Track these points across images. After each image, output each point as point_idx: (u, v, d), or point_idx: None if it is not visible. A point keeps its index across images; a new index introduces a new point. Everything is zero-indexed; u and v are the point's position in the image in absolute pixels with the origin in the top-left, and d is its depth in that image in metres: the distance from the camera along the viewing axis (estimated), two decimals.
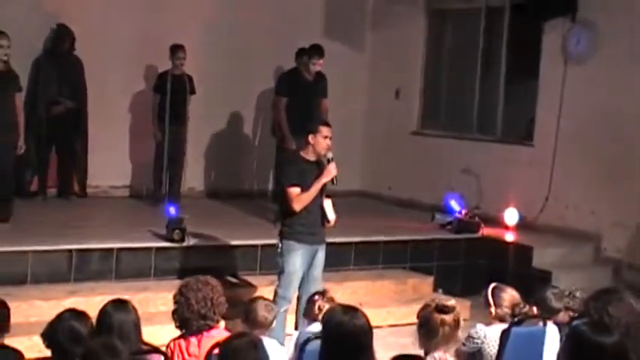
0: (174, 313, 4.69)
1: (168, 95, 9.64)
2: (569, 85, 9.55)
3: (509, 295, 5.19)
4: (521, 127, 10.33)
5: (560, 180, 9.60)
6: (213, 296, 4.62)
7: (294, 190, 6.43)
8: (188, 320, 4.59)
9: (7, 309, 4.54)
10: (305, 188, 6.43)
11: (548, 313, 5.19)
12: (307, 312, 5.52)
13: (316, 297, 5.42)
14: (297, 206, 6.43)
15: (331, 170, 6.46)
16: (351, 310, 3.97)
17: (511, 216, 9.72)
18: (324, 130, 6.51)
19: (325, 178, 6.45)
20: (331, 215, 6.57)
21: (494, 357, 4.98)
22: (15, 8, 9.42)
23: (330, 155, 6.53)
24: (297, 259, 6.53)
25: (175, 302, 4.68)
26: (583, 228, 9.33)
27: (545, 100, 9.88)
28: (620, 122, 9.14)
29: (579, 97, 9.47)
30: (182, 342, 4.61)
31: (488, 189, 10.02)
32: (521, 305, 5.13)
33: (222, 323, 4.89)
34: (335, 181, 6.50)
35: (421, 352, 4.14)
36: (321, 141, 6.48)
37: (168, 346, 4.60)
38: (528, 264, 8.84)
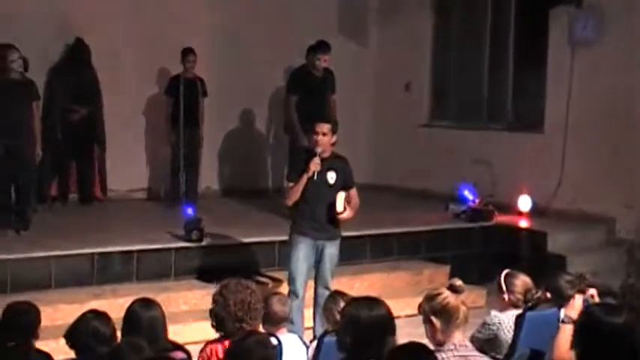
0: (211, 311, 4.64)
1: (181, 98, 9.79)
2: (578, 71, 9.62)
3: (522, 281, 5.28)
4: (531, 114, 10.41)
5: (571, 165, 9.67)
6: (251, 300, 4.60)
7: (289, 185, 6.70)
8: (223, 321, 4.55)
9: (38, 313, 4.68)
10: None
11: (562, 300, 5.27)
12: (327, 315, 5.43)
13: (335, 300, 5.30)
14: (288, 200, 6.70)
15: (311, 166, 6.56)
16: (371, 300, 4.07)
17: (524, 203, 9.81)
18: (316, 126, 6.64)
19: (306, 174, 6.57)
20: (340, 207, 6.62)
21: (509, 342, 5.09)
22: (32, 22, 9.58)
23: (318, 150, 6.61)
24: (300, 252, 6.69)
25: (214, 301, 4.64)
26: (595, 211, 9.41)
27: (553, 86, 9.95)
28: (629, 105, 9.21)
29: (588, 82, 9.54)
30: (218, 346, 4.54)
31: (501, 177, 10.10)
32: (534, 291, 5.22)
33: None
34: (315, 176, 6.58)
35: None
36: (315, 137, 6.63)
37: (203, 349, 4.56)
38: (543, 249, 8.93)
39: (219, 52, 10.73)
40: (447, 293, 4.10)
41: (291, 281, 6.74)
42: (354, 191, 6.83)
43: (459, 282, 4.12)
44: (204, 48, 10.15)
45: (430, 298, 4.15)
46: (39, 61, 9.03)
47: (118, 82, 10.09)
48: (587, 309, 3.58)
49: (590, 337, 3.40)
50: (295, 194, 6.61)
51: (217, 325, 4.60)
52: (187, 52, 9.86)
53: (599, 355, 3.36)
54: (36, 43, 9.00)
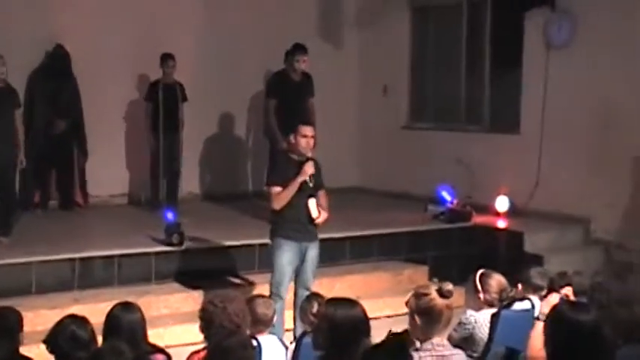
0: (208, 321, 4.56)
1: (161, 104, 9.84)
2: (553, 73, 9.74)
3: (496, 280, 5.36)
4: (507, 115, 10.52)
5: (548, 166, 9.78)
6: (244, 309, 4.66)
7: (275, 189, 6.63)
8: (221, 328, 4.48)
9: (20, 317, 4.71)
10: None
11: (532, 290, 5.39)
12: (302, 316, 5.57)
13: (310, 302, 5.41)
14: (277, 204, 6.62)
15: (306, 169, 6.59)
16: (347, 301, 4.15)
17: (502, 203, 9.91)
18: (302, 130, 6.67)
19: (301, 177, 6.60)
20: (314, 213, 6.70)
21: (485, 340, 5.18)
22: (12, 29, 9.60)
23: (309, 154, 6.67)
24: (285, 255, 6.71)
25: (206, 311, 4.59)
26: (572, 212, 9.51)
27: (529, 88, 10.07)
28: (604, 106, 9.31)
29: (563, 83, 9.66)
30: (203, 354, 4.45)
31: (479, 178, 10.19)
32: (508, 290, 5.32)
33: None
34: (311, 180, 6.64)
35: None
36: (300, 140, 6.65)
37: (190, 357, 4.51)
38: (520, 249, 9.02)
39: (199, 57, 10.79)
40: (434, 295, 4.16)
41: (275, 284, 6.75)
42: (322, 192, 6.87)
43: (449, 286, 4.16)
44: (183, 53, 10.20)
45: (418, 296, 4.20)
46: (16, 67, 9.02)
47: (98, 87, 10.12)
48: (556, 307, 3.67)
49: (559, 335, 3.50)
50: (286, 198, 6.58)
51: (208, 331, 4.57)
52: (166, 58, 9.92)
53: (570, 352, 3.45)
54: (14, 49, 8.99)
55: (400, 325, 4.39)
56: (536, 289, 5.37)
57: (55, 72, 9.91)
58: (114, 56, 10.27)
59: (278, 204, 6.62)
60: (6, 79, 8.26)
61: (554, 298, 4.65)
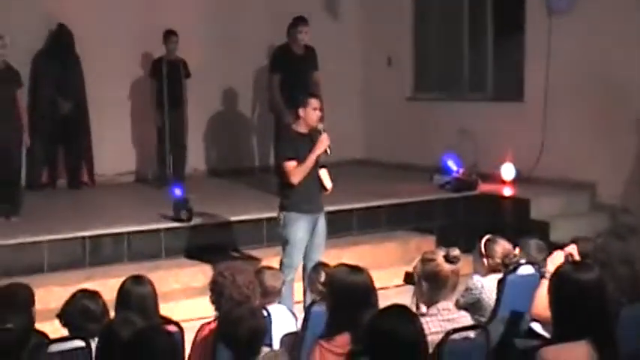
0: (214, 289, 4.66)
1: (165, 80, 9.87)
2: (556, 39, 9.71)
3: (501, 246, 5.42)
4: (511, 83, 10.52)
5: (552, 132, 9.79)
6: (253, 281, 4.73)
7: (291, 164, 6.65)
8: (226, 299, 4.57)
9: (32, 292, 4.79)
10: (300, 161, 6.65)
11: (528, 259, 5.43)
12: (311, 285, 5.68)
13: (317, 271, 5.49)
14: (295, 179, 6.64)
15: (324, 141, 6.64)
16: (354, 268, 4.22)
17: (507, 171, 9.94)
18: (313, 102, 6.71)
19: (319, 150, 6.65)
20: (328, 183, 6.81)
21: (492, 305, 5.24)
22: (14, 9, 9.63)
23: (321, 126, 6.72)
24: (299, 229, 6.77)
25: (216, 283, 4.67)
26: (578, 177, 9.53)
27: (532, 55, 10.05)
28: (606, 72, 9.31)
29: (566, 50, 9.63)
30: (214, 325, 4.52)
31: (484, 147, 10.20)
32: (511, 255, 5.37)
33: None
34: (329, 151, 6.71)
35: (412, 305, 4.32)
36: (311, 113, 6.69)
37: (201, 329, 4.60)
38: (526, 216, 9.06)
39: (202, 33, 10.79)
40: (440, 260, 4.22)
41: (290, 256, 6.78)
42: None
43: (455, 252, 4.22)
44: (186, 29, 10.21)
45: (424, 261, 4.27)
46: (19, 47, 9.04)
47: (102, 66, 10.13)
48: (559, 268, 3.72)
49: (563, 294, 3.55)
50: (304, 172, 6.62)
51: (218, 303, 4.66)
52: (169, 34, 9.94)
53: (573, 311, 3.50)
54: (16, 29, 9.02)
55: (408, 295, 4.46)
56: (532, 262, 5.40)
57: (59, 52, 9.95)
58: (117, 34, 10.28)
59: (296, 178, 6.64)
60: (6, 59, 8.29)
61: (558, 256, 4.67)
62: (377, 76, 11.87)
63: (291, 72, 9.32)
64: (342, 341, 3.94)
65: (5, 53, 8.26)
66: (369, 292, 4.09)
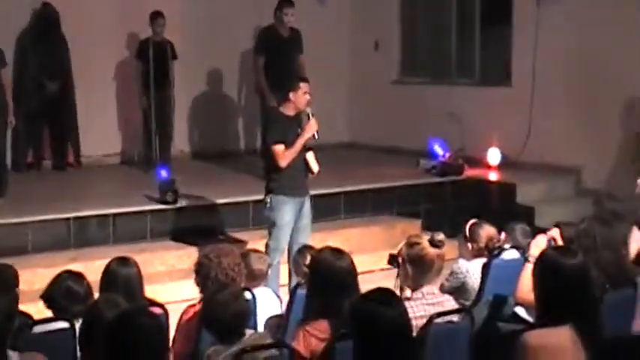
0: (203, 275, 4.64)
1: (151, 62, 9.81)
2: (543, 25, 9.72)
3: (486, 231, 5.45)
4: (498, 68, 10.54)
5: (539, 118, 9.81)
6: (239, 263, 4.73)
7: (279, 148, 6.66)
8: (212, 281, 4.56)
9: (16, 272, 4.77)
10: (288, 144, 6.66)
11: (513, 244, 5.46)
12: (296, 268, 5.71)
13: (302, 254, 5.49)
14: (284, 162, 6.66)
15: (312, 125, 6.66)
16: (337, 252, 4.23)
17: (494, 156, 9.96)
18: (304, 86, 6.74)
19: (307, 134, 6.66)
20: (315, 167, 6.83)
21: (476, 289, 5.27)
22: None
23: (309, 110, 6.74)
24: (286, 212, 6.78)
25: (202, 265, 4.67)
26: (564, 162, 9.57)
27: (520, 40, 10.07)
28: (595, 57, 9.33)
29: (553, 35, 9.64)
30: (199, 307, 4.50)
31: (471, 131, 10.21)
32: (495, 240, 5.40)
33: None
34: (317, 136, 6.72)
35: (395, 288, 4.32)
36: (302, 97, 6.71)
37: (185, 311, 4.60)
38: (512, 201, 9.10)
39: (188, 14, 10.72)
40: (425, 244, 4.23)
41: (277, 239, 6.80)
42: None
43: (440, 236, 4.24)
44: (172, 10, 10.14)
45: (410, 245, 4.28)
46: (3, 26, 8.96)
47: (87, 46, 10.07)
48: (544, 253, 3.74)
49: (547, 279, 3.57)
50: (293, 155, 6.65)
51: (203, 285, 4.66)
52: (156, 16, 9.88)
53: (557, 296, 3.52)
54: (3, 11, 8.95)
55: (393, 279, 4.47)
56: (518, 246, 5.42)
57: (45, 32, 9.86)
58: (102, 14, 10.22)
59: (284, 161, 6.65)
60: None
61: (541, 240, 4.68)
62: (363, 60, 11.84)
63: (277, 54, 9.30)
64: (325, 327, 3.96)
65: None
66: (350, 276, 4.10)
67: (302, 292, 4.59)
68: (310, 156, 6.83)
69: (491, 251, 5.33)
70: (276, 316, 4.90)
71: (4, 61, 8.45)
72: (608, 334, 3.71)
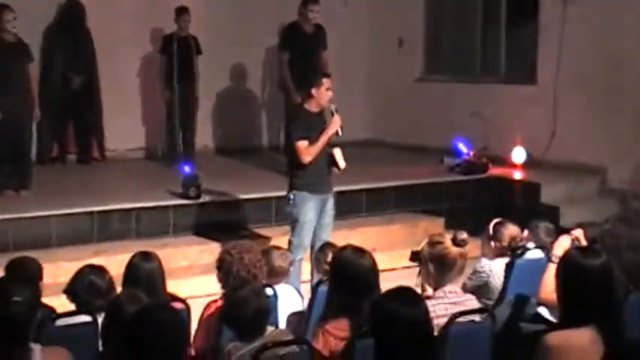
0: (225, 271, 4.65)
1: (175, 57, 9.84)
2: (570, 24, 9.64)
3: (509, 230, 5.41)
4: (524, 67, 10.47)
5: (564, 117, 9.73)
6: (260, 259, 4.75)
7: (303, 144, 6.66)
8: (238, 278, 4.59)
9: (40, 266, 4.80)
10: (312, 140, 6.65)
11: (537, 242, 5.42)
12: (317, 265, 5.71)
13: (324, 251, 5.49)
14: (307, 158, 6.65)
15: (337, 121, 6.66)
16: (358, 250, 4.22)
17: (518, 155, 9.89)
18: (326, 82, 6.72)
19: (331, 130, 6.66)
20: (342, 163, 6.79)
21: (499, 288, 5.24)
22: None
23: (333, 107, 6.73)
24: (310, 208, 6.77)
25: (224, 261, 4.68)
26: (588, 162, 9.49)
27: (546, 39, 9.99)
28: (619, 56, 9.26)
29: (580, 33, 9.57)
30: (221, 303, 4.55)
31: (495, 130, 10.16)
32: (518, 239, 5.36)
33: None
34: (340, 132, 6.71)
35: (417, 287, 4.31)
36: (324, 93, 6.69)
37: (207, 306, 4.61)
38: (536, 200, 9.03)
39: (213, 9, 10.74)
40: (448, 243, 4.22)
41: (300, 235, 6.78)
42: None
43: (463, 235, 4.23)
44: (198, 6, 10.17)
45: (432, 244, 4.27)
46: (29, 21, 9.00)
47: (113, 41, 10.12)
48: (567, 253, 3.71)
49: (570, 280, 3.53)
50: (317, 151, 6.64)
51: (225, 281, 4.67)
52: (182, 11, 9.90)
53: (580, 296, 3.49)
54: (27, 2, 8.99)
55: (415, 278, 4.45)
56: (541, 245, 5.38)
57: (70, 26, 9.93)
58: (127, 9, 10.26)
59: (308, 158, 6.64)
60: (17, 33, 8.29)
61: (565, 240, 4.64)
62: (387, 57, 11.80)
63: (301, 50, 9.30)
64: (345, 325, 3.95)
65: (16, 27, 8.24)
66: (371, 275, 4.09)
67: (324, 289, 4.58)
68: (338, 152, 6.80)
69: (514, 250, 5.30)
70: (298, 313, 4.89)
71: (31, 56, 8.52)
72: (630, 336, 3.67)
